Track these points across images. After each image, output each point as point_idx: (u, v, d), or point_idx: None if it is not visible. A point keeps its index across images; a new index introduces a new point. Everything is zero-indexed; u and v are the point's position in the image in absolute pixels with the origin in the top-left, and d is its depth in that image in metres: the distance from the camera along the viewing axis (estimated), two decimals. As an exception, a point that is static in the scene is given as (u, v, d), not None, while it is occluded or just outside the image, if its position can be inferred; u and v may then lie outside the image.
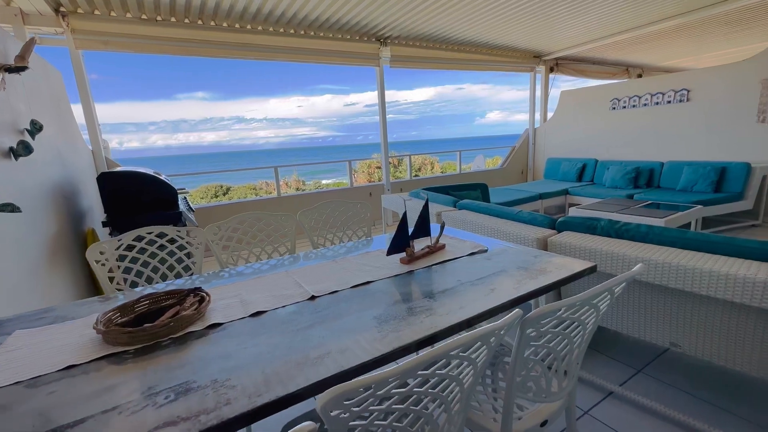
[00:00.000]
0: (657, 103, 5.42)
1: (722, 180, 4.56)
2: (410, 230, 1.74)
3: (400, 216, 1.71)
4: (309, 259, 1.81)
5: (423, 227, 1.76)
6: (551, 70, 7.15)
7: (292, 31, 4.56)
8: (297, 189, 19.87)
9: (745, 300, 1.38)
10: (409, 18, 4.47)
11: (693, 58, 7.90)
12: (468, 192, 3.93)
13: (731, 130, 4.73)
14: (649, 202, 4.28)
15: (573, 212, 4.19)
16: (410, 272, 1.55)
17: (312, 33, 4.70)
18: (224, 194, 23.51)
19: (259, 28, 4.37)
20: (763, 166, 4.41)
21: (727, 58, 7.33)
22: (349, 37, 4.94)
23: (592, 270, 1.47)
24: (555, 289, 1.36)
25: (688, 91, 5.09)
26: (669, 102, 5.29)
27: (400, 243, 1.64)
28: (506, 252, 1.72)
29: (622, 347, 2.15)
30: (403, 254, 1.66)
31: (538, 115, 7.37)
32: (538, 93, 7.26)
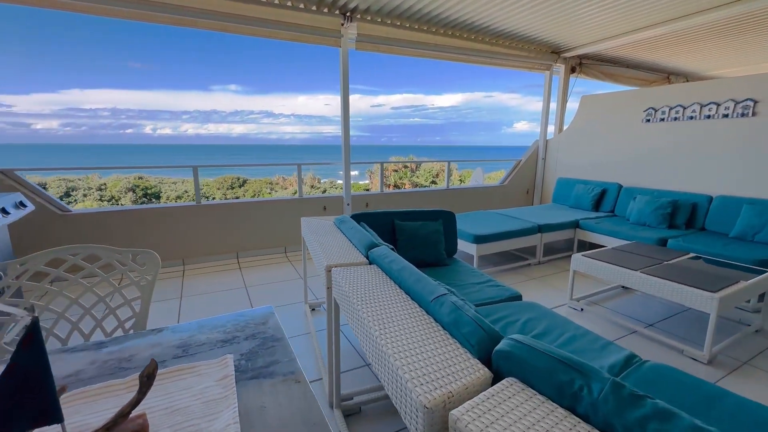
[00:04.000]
0: (708, 116, 4.06)
1: (801, 230, 3.20)
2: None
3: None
4: None
5: (36, 395, 0.59)
6: (573, 70, 5.84)
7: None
8: (312, 187, 19.18)
9: None
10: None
11: (752, 68, 6.40)
12: (423, 223, 2.73)
13: (818, 159, 3.34)
14: (691, 255, 2.97)
15: (579, 263, 2.92)
16: None
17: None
18: (240, 186, 23.30)
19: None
20: None
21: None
22: (302, 6, 3.82)
23: None
24: None
25: (755, 103, 3.72)
26: (726, 115, 3.93)
27: None
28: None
29: None
30: None
31: (551, 128, 6.06)
32: (554, 102, 5.97)
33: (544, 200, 6.12)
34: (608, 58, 5.91)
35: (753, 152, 3.75)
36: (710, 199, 3.90)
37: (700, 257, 2.92)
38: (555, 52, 5.55)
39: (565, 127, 5.88)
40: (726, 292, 2.20)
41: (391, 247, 1.89)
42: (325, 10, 3.95)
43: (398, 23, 4.33)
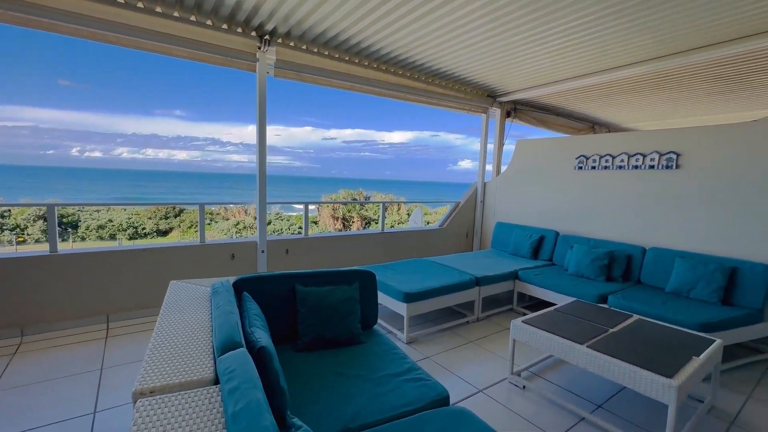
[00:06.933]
0: (636, 167, 4.06)
1: (732, 286, 3.11)
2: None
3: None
4: None
5: None
6: (508, 114, 5.85)
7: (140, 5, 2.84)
8: (269, 223, 17.98)
9: None
10: (303, 3, 2.89)
11: (663, 122, 6.93)
12: (333, 288, 2.16)
13: (742, 213, 3.35)
14: (635, 318, 2.69)
15: (519, 332, 2.50)
16: None
17: (176, 13, 3.00)
18: (175, 216, 21.39)
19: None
20: (790, 271, 2.99)
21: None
22: (210, 23, 3.29)
23: None
24: None
25: (678, 156, 3.76)
26: (652, 167, 3.94)
27: None
28: None
29: None
30: None
31: (489, 167, 5.96)
32: (491, 144, 5.91)
33: (483, 244, 5.88)
34: (540, 105, 6.03)
35: (679, 204, 3.73)
36: (644, 250, 3.80)
37: (643, 319, 2.65)
38: (491, 95, 5.52)
39: (502, 171, 5.79)
40: (682, 376, 1.85)
41: (261, 345, 1.28)
42: (239, 30, 3.45)
43: (326, 52, 3.95)
